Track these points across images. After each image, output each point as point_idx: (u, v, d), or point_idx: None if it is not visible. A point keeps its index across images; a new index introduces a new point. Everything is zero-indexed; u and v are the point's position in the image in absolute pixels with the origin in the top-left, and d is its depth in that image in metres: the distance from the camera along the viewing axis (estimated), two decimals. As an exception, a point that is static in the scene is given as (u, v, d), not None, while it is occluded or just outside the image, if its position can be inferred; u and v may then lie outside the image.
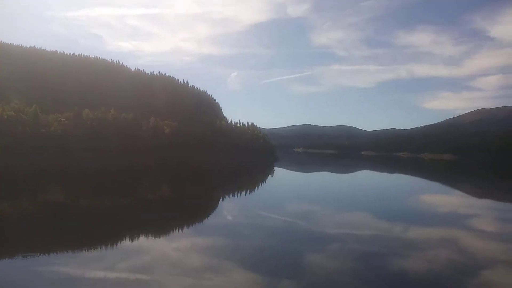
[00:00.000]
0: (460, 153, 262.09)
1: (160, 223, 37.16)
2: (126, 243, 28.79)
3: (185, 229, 34.25)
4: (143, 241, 29.47)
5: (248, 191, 63.01)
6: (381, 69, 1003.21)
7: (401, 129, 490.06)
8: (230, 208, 46.60)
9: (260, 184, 75.88)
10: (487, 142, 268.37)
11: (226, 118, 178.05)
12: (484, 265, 25.74)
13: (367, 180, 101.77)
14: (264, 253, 26.87)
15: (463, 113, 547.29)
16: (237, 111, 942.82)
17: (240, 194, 59.32)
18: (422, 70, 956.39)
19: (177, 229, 33.83)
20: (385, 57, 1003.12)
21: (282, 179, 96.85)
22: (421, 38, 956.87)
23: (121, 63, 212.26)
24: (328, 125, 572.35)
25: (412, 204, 55.70)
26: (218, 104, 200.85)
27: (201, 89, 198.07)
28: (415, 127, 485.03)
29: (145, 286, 20.03)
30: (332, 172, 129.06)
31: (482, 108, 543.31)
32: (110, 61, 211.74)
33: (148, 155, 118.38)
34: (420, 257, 26.83)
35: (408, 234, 34.49)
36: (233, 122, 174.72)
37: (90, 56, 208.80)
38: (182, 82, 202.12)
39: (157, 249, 27.36)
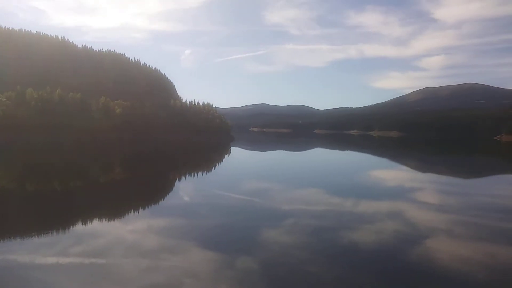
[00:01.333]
0: (406, 130, 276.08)
1: (113, 206, 36.41)
2: (79, 227, 27.98)
3: (141, 211, 33.82)
4: (97, 225, 28.77)
5: (204, 171, 62.96)
6: (333, 48, 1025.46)
7: (352, 107, 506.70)
8: (187, 189, 46.46)
9: (216, 164, 75.99)
10: (430, 120, 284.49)
11: (180, 97, 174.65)
12: (426, 234, 27.78)
13: (320, 158, 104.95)
14: (221, 231, 27.26)
15: (409, 92, 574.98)
16: (192, 90, 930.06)
17: (197, 175, 59.17)
18: (371, 50, 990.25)
19: (132, 211, 33.31)
20: (337, 37, 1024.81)
21: (239, 158, 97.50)
22: (371, 18, 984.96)
23: (66, 39, 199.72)
24: (283, 104, 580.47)
25: (362, 179, 58.37)
26: (172, 83, 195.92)
27: (153, 67, 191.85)
28: (365, 105, 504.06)
29: (100, 270, 19.74)
30: (287, 150, 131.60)
31: (426, 87, 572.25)
32: (54, 37, 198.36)
33: (100, 136, 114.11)
34: (369, 229, 28.43)
35: (358, 208, 36.30)
36: (188, 102, 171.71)
37: (32, 31, 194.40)
38: (133, 60, 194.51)
39: (112, 232, 26.88)
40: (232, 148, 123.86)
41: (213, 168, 69.04)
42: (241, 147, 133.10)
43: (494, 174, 75.80)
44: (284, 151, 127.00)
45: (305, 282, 18.80)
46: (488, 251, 24.19)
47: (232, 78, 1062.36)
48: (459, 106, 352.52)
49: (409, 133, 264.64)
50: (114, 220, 30.56)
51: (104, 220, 30.18)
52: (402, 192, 47.59)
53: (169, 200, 40.13)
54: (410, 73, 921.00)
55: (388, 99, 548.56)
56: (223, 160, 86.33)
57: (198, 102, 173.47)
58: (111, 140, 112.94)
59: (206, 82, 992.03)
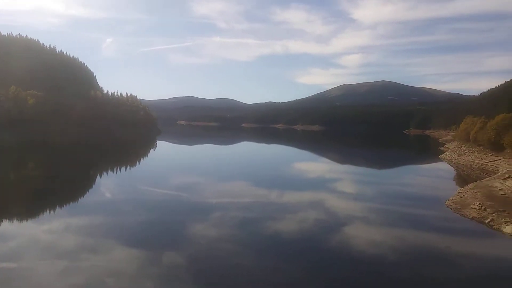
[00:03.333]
0: (327, 124, 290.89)
1: (27, 205, 33.58)
2: (-16, 230, 25.39)
3: (58, 209, 31.57)
4: (8, 226, 26.35)
5: (128, 166, 60.50)
6: (260, 43, 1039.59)
7: (278, 102, 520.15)
8: (109, 185, 44.32)
9: (141, 159, 73.37)
10: (349, 115, 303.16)
11: (101, 88, 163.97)
12: (344, 222, 29.82)
13: (248, 151, 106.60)
14: (146, 227, 26.60)
15: (330, 88, 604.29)
16: (115, 81, 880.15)
17: (120, 170, 56.67)
18: (296, 46, 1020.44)
19: (48, 211, 30.98)
20: (263, 32, 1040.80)
21: (165, 152, 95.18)
22: (295, 15, 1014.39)
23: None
24: (211, 98, 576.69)
25: (286, 171, 60.59)
26: (92, 73, 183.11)
27: (71, 56, 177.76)
28: (290, 100, 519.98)
29: (12, 275, 18.19)
30: (215, 144, 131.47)
31: (345, 84, 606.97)
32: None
33: (11, 129, 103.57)
34: (292, 219, 29.75)
35: (282, 199, 37.73)
36: (110, 93, 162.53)
37: None
38: (48, 46, 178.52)
39: (25, 234, 24.82)
40: (158, 141, 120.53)
41: (137, 163, 66.61)
42: (168, 141, 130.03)
43: (403, 164, 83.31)
44: (212, 145, 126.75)
45: (232, 274, 19.18)
46: (398, 235, 26.71)
47: (158, 69, 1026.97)
48: (375, 102, 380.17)
49: (330, 127, 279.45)
50: (27, 220, 28.18)
51: (15, 221, 27.70)
52: (323, 182, 50.37)
53: (89, 197, 38.01)
54: (331, 69, 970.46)
55: (311, 94, 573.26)
56: (148, 155, 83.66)
57: (121, 93, 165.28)
58: (23, 133, 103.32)
59: (130, 72, 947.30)
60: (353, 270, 20.36)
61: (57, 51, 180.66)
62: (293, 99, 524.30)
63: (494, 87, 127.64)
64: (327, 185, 47.60)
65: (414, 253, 23.35)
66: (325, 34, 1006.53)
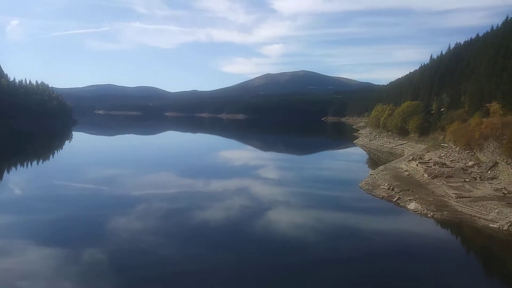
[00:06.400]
0: (252, 113, 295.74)
1: None
2: None
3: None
4: None
5: (41, 160, 55.88)
6: (182, 30, 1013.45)
7: (202, 91, 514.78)
8: (18, 181, 40.65)
9: (55, 151, 68.11)
10: (271, 103, 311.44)
11: (7, 75, 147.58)
12: (268, 206, 30.98)
13: (172, 140, 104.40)
14: (61, 225, 25.09)
15: (253, 77, 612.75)
16: (23, 68, 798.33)
17: (31, 164, 52.14)
18: (219, 34, 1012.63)
19: None
20: (186, 19, 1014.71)
21: (82, 144, 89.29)
22: (218, 3, 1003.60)
23: None
24: (132, 86, 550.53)
25: (212, 160, 60.73)
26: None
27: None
28: (215, 89, 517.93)
29: None
30: (137, 134, 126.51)
31: (268, 73, 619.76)
32: None
33: None
34: (218, 207, 30.16)
35: (208, 188, 37.92)
36: (17, 81, 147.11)
37: None
38: None
39: None
40: (74, 133, 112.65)
41: (51, 156, 61.78)
42: (85, 132, 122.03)
43: (321, 150, 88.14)
44: (135, 135, 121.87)
45: (156, 265, 19.00)
46: (317, 216, 28.46)
47: (73, 55, 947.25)
48: (296, 91, 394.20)
49: (254, 116, 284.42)
50: None
51: None
52: (248, 169, 51.50)
53: (-5, 195, 34.57)
54: (254, 59, 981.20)
55: (235, 83, 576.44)
56: (63, 147, 77.89)
57: (30, 81, 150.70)
58: None
59: (40, 58, 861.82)
60: (277, 252, 21.34)
61: None
62: (218, 88, 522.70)
63: (400, 77, 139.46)
64: (252, 172, 48.77)
65: (332, 232, 25.17)
66: (247, 24, 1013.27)
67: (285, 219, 27.64)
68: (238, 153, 74.61)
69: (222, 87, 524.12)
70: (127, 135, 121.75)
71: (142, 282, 17.32)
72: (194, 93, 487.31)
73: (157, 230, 24.40)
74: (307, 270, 18.85)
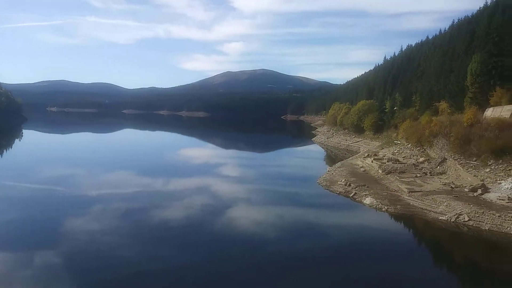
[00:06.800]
0: (212, 111, 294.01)
1: None
2: None
3: None
4: None
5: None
6: (140, 26, 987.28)
7: (162, 88, 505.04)
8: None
9: (3, 150, 64.26)
10: (231, 101, 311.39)
11: None
12: (229, 204, 31.11)
13: (130, 138, 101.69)
14: (11, 228, 23.86)
15: (213, 75, 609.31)
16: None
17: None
18: (178, 31, 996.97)
19: None
20: (144, 14, 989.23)
21: (33, 142, 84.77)
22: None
23: None
24: (87, 82, 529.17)
25: (172, 158, 59.89)
26: None
27: None
28: (174, 86, 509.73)
29: None
30: (93, 132, 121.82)
31: (228, 71, 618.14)
32: None
33: None
34: (179, 206, 29.90)
35: (168, 187, 37.43)
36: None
37: None
38: None
39: None
40: (24, 131, 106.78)
41: (-2, 156, 58.28)
42: (36, 130, 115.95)
43: (281, 148, 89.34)
44: (90, 133, 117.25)
45: (114, 267, 18.60)
46: (277, 213, 28.94)
47: (23, 49, 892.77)
48: (255, 89, 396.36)
49: (215, 113, 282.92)
50: None
51: None
52: (208, 168, 51.29)
53: None
54: (214, 56, 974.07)
55: (195, 80, 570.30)
56: (12, 146, 73.66)
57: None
58: None
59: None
60: (238, 249, 21.53)
61: None
62: (177, 85, 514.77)
63: (356, 76, 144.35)
64: (213, 170, 48.65)
65: (292, 228, 25.71)
66: (207, 21, 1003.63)
67: (246, 216, 27.90)
68: (198, 151, 74.06)
69: (182, 84, 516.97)
70: (82, 133, 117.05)
71: (99, 285, 16.90)
72: (152, 90, 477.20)
73: (115, 231, 23.84)
74: (268, 265, 19.19)
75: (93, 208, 28.34)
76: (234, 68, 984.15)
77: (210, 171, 47.87)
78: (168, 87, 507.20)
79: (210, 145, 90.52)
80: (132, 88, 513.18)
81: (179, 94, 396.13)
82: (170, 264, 19.11)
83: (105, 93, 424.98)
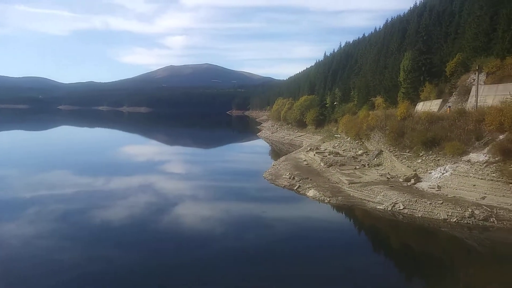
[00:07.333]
0: (154, 106, 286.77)
1: None
2: None
3: None
4: None
5: None
6: (75, 16, 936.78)
7: (100, 82, 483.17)
8: None
9: None
10: (175, 96, 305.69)
11: None
12: (174, 201, 30.63)
13: (67, 136, 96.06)
14: None
15: (156, 69, 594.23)
16: None
17: None
18: (117, 23, 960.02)
19: None
20: (79, 4, 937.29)
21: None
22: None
23: None
24: (17, 76, 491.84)
25: (113, 156, 57.52)
26: None
27: None
28: (114, 80, 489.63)
29: None
30: (25, 130, 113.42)
31: (171, 65, 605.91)
32: None
33: None
34: (122, 205, 28.87)
35: (109, 185, 35.97)
36: None
37: None
38: None
39: None
40: None
41: None
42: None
43: (227, 143, 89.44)
44: (22, 131, 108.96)
45: (53, 271, 17.63)
46: (224, 208, 29.00)
47: None
48: (200, 84, 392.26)
49: (158, 109, 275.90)
50: None
51: None
52: (153, 165, 49.97)
53: None
54: (156, 50, 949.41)
55: (137, 74, 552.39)
56: None
57: None
58: None
59: None
60: (185, 246, 21.32)
61: None
62: (117, 79, 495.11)
63: (298, 72, 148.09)
64: (157, 167, 47.52)
65: (239, 222, 25.96)
66: (148, 13, 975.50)
67: (192, 213, 27.68)
68: (141, 148, 71.89)
69: (122, 79, 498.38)
70: (12, 131, 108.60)
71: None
72: (91, 85, 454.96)
73: (52, 234, 22.55)
74: (215, 261, 19.24)
75: (27, 211, 26.55)
76: (178, 62, 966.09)
77: (153, 168, 46.68)
78: (107, 81, 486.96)
79: (154, 142, 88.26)
80: (68, 82, 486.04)
81: (119, 88, 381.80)
82: (112, 265, 18.50)
83: (38, 87, 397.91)
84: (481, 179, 26.48)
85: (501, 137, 28.12)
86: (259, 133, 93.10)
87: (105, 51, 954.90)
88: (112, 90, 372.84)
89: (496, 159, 26.76)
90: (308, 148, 51.91)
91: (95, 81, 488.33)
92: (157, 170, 45.36)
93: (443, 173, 29.39)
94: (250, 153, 67.95)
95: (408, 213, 25.61)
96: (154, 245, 21.43)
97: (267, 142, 78.58)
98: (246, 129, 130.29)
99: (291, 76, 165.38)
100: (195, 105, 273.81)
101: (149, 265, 18.68)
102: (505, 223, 22.62)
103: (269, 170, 40.54)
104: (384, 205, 27.09)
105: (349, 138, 50.51)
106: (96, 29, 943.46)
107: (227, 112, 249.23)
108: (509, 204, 23.87)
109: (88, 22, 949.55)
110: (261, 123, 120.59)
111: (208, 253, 20.21)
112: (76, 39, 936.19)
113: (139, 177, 40.08)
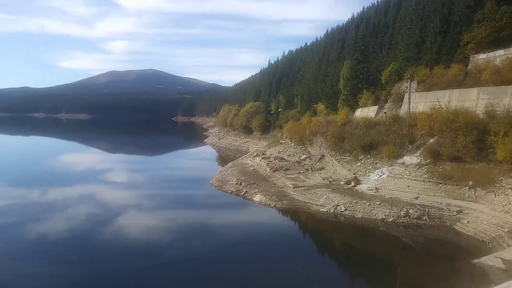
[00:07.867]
0: (96, 112, 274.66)
1: None
2: None
3: None
4: None
5: None
6: (8, 18, 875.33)
7: (36, 88, 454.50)
8: None
9: None
10: (118, 102, 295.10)
11: None
12: (117, 212, 29.51)
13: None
14: None
15: (97, 74, 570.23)
16: None
17: None
18: (54, 26, 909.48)
19: None
20: (12, 5, 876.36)
21: None
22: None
23: None
24: None
25: (50, 165, 54.19)
26: None
27: None
28: (51, 86, 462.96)
29: None
30: None
31: (113, 71, 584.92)
32: None
33: None
34: (60, 217, 27.37)
35: (46, 197, 33.88)
36: None
37: None
38: None
39: None
40: None
41: None
42: None
43: (173, 150, 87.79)
44: None
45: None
46: (170, 217, 28.53)
47: None
48: (144, 90, 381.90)
49: (99, 115, 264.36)
50: None
51: None
52: (93, 174, 47.66)
53: None
54: (96, 55, 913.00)
55: (76, 80, 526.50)
56: None
57: None
58: None
59: None
60: (130, 257, 20.62)
61: None
62: (54, 85, 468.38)
63: (244, 79, 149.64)
64: (98, 176, 45.49)
65: (186, 230, 25.63)
66: (88, 16, 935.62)
67: (137, 223, 26.87)
68: (81, 156, 68.45)
69: (60, 84, 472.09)
70: None
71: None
72: (25, 90, 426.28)
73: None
74: (162, 270, 18.86)
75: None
76: (120, 67, 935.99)
77: (94, 178, 44.61)
78: (43, 87, 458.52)
79: (95, 150, 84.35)
80: (0, 88, 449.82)
81: (57, 94, 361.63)
82: (51, 283, 17.48)
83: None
84: (414, 180, 28.44)
85: (431, 140, 30.44)
86: (205, 140, 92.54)
87: (40, 55, 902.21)
88: (49, 96, 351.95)
89: (427, 161, 28.91)
90: (255, 154, 52.50)
91: (30, 86, 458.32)
92: (98, 179, 43.45)
93: (380, 176, 31.15)
94: (196, 160, 67.29)
95: (349, 214, 26.80)
96: (96, 258, 20.53)
97: (214, 148, 78.32)
98: (193, 136, 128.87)
99: (237, 83, 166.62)
100: (139, 112, 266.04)
101: (90, 280, 17.88)
102: (435, 220, 24.43)
103: (216, 177, 40.47)
104: (326, 207, 28.11)
105: (293, 144, 51.82)
106: (30, 32, 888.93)
107: (173, 118, 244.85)
108: (439, 203, 25.82)
109: (22, 25, 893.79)
110: (208, 129, 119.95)
111: (154, 264, 19.73)
112: (8, 42, 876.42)
113: (78, 187, 38.11)
